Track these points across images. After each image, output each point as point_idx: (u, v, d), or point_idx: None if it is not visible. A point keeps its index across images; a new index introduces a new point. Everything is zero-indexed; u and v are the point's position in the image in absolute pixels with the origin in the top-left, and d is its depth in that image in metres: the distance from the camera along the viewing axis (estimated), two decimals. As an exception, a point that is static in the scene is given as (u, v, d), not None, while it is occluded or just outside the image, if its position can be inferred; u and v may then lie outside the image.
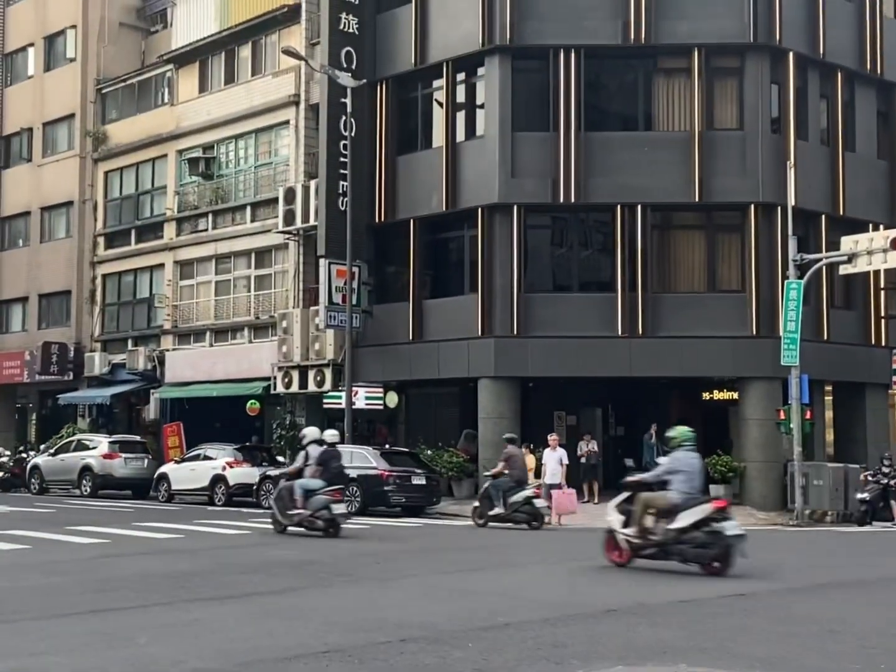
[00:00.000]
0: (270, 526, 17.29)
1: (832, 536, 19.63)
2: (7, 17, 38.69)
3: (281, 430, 27.74)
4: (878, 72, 26.48)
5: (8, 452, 31.53)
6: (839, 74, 25.77)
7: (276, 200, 28.77)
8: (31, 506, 23.65)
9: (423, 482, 22.34)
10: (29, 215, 37.41)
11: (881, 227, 24.82)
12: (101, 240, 35.02)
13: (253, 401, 28.76)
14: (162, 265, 32.71)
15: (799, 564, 14.13)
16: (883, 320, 26.33)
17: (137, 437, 29.59)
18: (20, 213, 37.76)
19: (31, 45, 37.76)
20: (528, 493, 18.80)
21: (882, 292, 26.34)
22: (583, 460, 23.50)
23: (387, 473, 21.87)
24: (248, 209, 30.39)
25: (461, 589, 10.86)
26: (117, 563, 13.14)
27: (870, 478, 22.61)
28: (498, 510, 18.80)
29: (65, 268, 35.59)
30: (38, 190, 36.94)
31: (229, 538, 16.46)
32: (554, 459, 20.89)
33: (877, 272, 25.55)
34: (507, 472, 18.91)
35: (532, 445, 22.22)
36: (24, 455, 31.19)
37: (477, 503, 19.65)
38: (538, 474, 21.49)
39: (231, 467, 24.83)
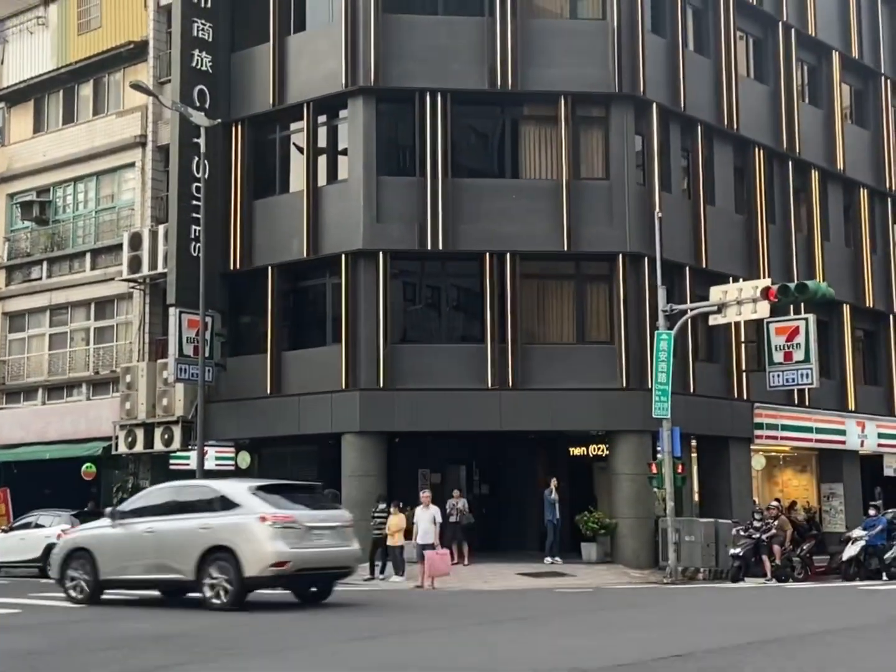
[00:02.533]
0: (118, 597, 15.41)
1: (720, 593, 18.99)
2: None
3: (122, 493, 25.51)
4: (735, 128, 26.81)
5: None
6: (699, 128, 25.93)
7: (119, 247, 26.92)
8: None
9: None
10: None
11: (740, 279, 24.88)
12: (-82, 290, 32.09)
13: (88, 464, 26.55)
14: (-12, 317, 30.15)
15: (712, 622, 13.28)
16: (745, 374, 26.34)
17: (-41, 505, 26.83)
18: None
19: None
20: None
21: (743, 346, 26.39)
22: (452, 519, 22.32)
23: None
24: (88, 256, 28.34)
25: (381, 661, 9.48)
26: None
27: (741, 532, 22.26)
28: None
29: None
30: None
31: (73, 612, 14.50)
32: (426, 518, 19.67)
33: (737, 326, 25.64)
34: None
35: (402, 504, 20.92)
36: None
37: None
38: (409, 534, 20.21)
39: (66, 535, 22.46)
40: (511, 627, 12.28)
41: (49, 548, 22.35)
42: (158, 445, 25.25)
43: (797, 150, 28.48)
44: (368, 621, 13.12)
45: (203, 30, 25.20)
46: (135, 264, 26.14)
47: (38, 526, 23.30)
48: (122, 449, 25.82)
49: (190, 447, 24.83)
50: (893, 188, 31.51)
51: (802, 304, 25.69)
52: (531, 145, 24.59)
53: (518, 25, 23.85)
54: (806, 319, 25.32)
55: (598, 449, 26.13)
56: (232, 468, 25.96)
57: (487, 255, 23.47)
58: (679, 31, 25.54)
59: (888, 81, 31.76)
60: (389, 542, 20.43)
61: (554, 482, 23.42)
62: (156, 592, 15.47)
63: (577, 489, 25.93)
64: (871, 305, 30.29)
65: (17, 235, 30.07)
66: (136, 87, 23.61)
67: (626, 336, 23.63)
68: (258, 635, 11.37)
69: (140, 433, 25.58)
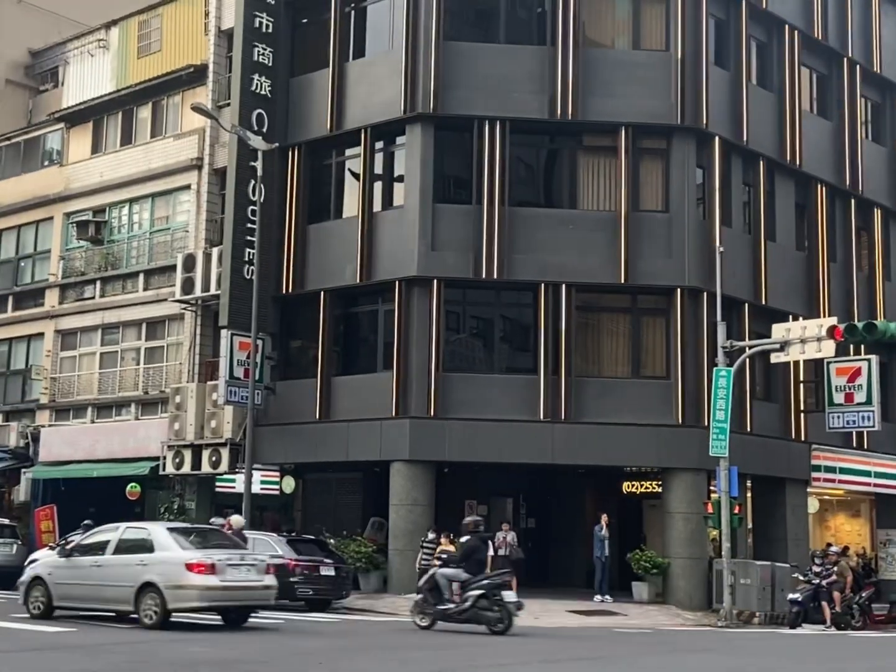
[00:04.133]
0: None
1: (787, 639, 18.36)
2: None
3: (169, 514, 25.36)
4: (797, 163, 26.38)
5: None
6: (761, 163, 25.52)
7: (172, 268, 26.89)
8: None
9: (333, 573, 20.38)
10: None
11: (800, 318, 24.37)
12: (-27, 306, 32.32)
13: (133, 483, 26.41)
14: (41, 334, 30.22)
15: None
16: (802, 414, 25.73)
17: (6, 521, 26.75)
18: None
19: None
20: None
21: (801, 385, 25.81)
22: (501, 552, 21.88)
23: (294, 563, 19.84)
24: (141, 277, 28.34)
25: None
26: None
27: (801, 577, 21.63)
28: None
29: (-69, 335, 32.66)
30: None
31: (123, 633, 14.26)
32: (479, 550, 19.17)
33: (796, 365, 25.10)
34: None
35: (452, 535, 20.53)
36: None
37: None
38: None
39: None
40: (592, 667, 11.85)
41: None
42: (206, 467, 25.06)
43: (860, 188, 27.97)
44: (428, 656, 12.76)
45: (263, 54, 25.25)
46: (188, 286, 26.10)
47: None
48: (170, 469, 25.66)
49: (237, 470, 24.64)
50: (957, 229, 30.79)
51: (863, 346, 25.11)
52: (589, 176, 24.30)
53: (579, 55, 23.64)
54: (868, 360, 24.71)
55: (650, 486, 25.63)
56: (277, 493, 25.76)
57: (542, 285, 23.16)
58: (743, 64, 25.21)
59: (953, 120, 31.14)
60: (438, 573, 20.00)
61: (604, 518, 22.93)
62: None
63: (627, 526, 25.42)
64: (933, 348, 29.54)
65: (71, 254, 30.20)
66: (197, 109, 23.67)
67: (682, 371, 23.17)
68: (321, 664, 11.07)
69: (188, 454, 25.41)
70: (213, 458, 25.00)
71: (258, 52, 25.17)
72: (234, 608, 15.63)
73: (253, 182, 24.09)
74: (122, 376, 28.29)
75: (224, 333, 24.07)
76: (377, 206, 24.40)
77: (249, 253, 24.24)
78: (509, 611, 15.49)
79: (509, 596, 15.66)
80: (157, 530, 15.92)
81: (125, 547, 15.65)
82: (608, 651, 14.20)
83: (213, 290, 25.49)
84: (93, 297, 29.27)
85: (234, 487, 25.44)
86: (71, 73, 33.21)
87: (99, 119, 30.42)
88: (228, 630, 15.12)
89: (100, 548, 15.99)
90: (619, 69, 23.93)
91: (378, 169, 24.77)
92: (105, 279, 29.09)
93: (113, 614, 15.63)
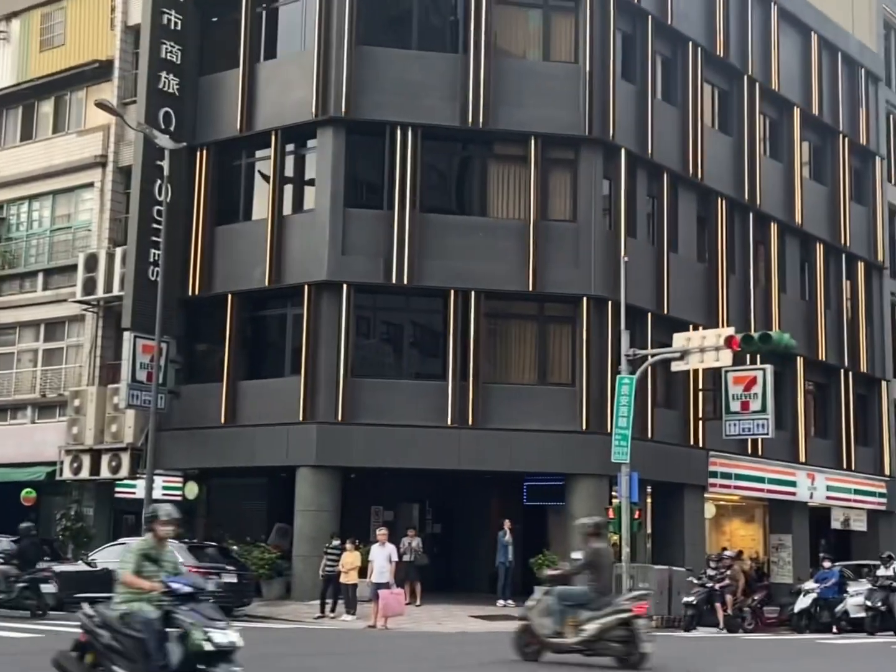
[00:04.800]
0: (60, 629, 14.76)
1: (682, 642, 18.75)
2: None
3: (66, 521, 24.73)
4: (699, 177, 27.03)
5: None
6: (665, 175, 26.10)
7: (73, 268, 26.30)
8: None
9: (235, 580, 20.11)
10: None
11: (700, 327, 24.98)
12: None
13: (29, 489, 25.70)
14: (-67, 334, 29.23)
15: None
16: (701, 421, 26.36)
17: None
18: None
19: None
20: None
21: (700, 394, 26.43)
22: (406, 558, 21.90)
23: (194, 570, 19.47)
24: (41, 276, 27.66)
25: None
26: None
27: (695, 581, 22.13)
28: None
29: None
30: None
31: (15, 643, 13.86)
32: (383, 556, 19.19)
33: (696, 373, 25.71)
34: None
35: (358, 541, 20.49)
36: None
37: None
38: (364, 573, 19.76)
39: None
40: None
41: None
42: (105, 472, 24.54)
43: (758, 202, 28.78)
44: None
45: (171, 52, 24.87)
46: (89, 286, 25.54)
47: (-26, 553, 22.38)
48: (67, 475, 25.05)
49: (138, 475, 24.18)
50: (848, 244, 31.96)
51: (759, 355, 25.82)
52: (500, 184, 24.54)
53: (491, 64, 23.86)
54: (763, 370, 25.47)
55: (554, 491, 25.91)
56: (179, 499, 25.34)
57: (452, 291, 23.29)
58: (648, 78, 25.77)
59: (846, 139, 32.31)
60: (343, 579, 19.98)
61: (507, 524, 23.13)
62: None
63: (531, 532, 25.67)
64: (824, 359, 30.58)
65: (-34, 252, 29.28)
66: (101, 105, 23.16)
67: (587, 379, 23.54)
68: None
69: (86, 459, 24.84)
70: (114, 463, 24.49)
71: (166, 49, 24.77)
72: None
73: (159, 181, 23.71)
74: (17, 378, 27.53)
75: (127, 336, 23.64)
76: (287, 209, 24.24)
77: (154, 254, 23.81)
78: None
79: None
80: None
81: None
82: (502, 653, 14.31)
83: (115, 291, 25.01)
84: (-12, 296, 28.43)
85: (134, 493, 24.99)
86: (-32, 64, 32.17)
87: (-2, 113, 29.59)
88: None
89: None
90: (529, 79, 24.23)
91: (289, 171, 24.61)
92: (2, 278, 28.29)
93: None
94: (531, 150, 23.91)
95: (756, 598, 23.93)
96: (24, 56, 30.25)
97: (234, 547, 22.62)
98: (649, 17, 25.98)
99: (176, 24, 25.00)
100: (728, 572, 22.57)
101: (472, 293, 23.29)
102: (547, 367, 24.13)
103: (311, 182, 24.13)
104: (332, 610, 20.41)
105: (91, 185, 27.09)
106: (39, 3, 30.04)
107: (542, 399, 23.55)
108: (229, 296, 24.16)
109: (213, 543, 21.99)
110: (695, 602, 21.60)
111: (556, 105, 24.21)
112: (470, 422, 22.96)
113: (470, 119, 23.75)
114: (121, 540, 21.56)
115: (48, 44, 29.89)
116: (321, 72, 23.63)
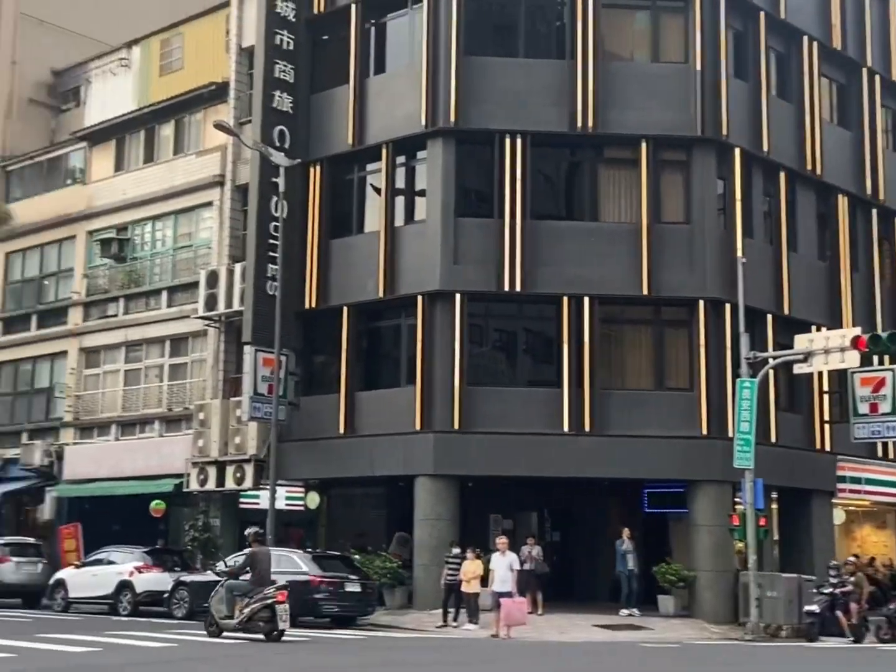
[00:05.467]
0: (196, 637, 15.20)
1: (818, 653, 18.24)
2: None
3: (194, 531, 25.42)
4: (818, 173, 26.32)
5: None
6: (781, 173, 25.48)
7: (195, 285, 27.06)
8: None
9: (358, 589, 20.36)
10: (-82, 297, 34.67)
11: (823, 328, 24.29)
12: (-3, 325, 32.57)
13: (158, 501, 26.47)
14: (65, 352, 30.42)
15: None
16: (827, 425, 25.61)
17: (31, 540, 26.84)
18: None
19: (-68, 119, 35.60)
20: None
21: (825, 396, 25.68)
22: (526, 566, 21.82)
23: (318, 580, 19.84)
24: (165, 294, 28.52)
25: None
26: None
27: (817, 590, 21.45)
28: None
29: (-46, 354, 32.90)
30: (-70, 271, 34.36)
31: (153, 652, 14.30)
32: (504, 565, 19.13)
33: (820, 376, 24.99)
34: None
35: (478, 549, 20.50)
36: None
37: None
38: (486, 581, 19.76)
39: (140, 572, 22.45)
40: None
41: (121, 585, 22.40)
42: (230, 484, 25.14)
43: (881, 197, 27.87)
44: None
45: (284, 71, 25.41)
46: (211, 302, 26.24)
47: (110, 563, 23.24)
48: (194, 486, 25.74)
49: (261, 486, 24.69)
50: (979, 238, 30.64)
51: (887, 356, 24.94)
52: (610, 188, 24.32)
53: (598, 68, 23.68)
54: (892, 370, 24.55)
55: (675, 498, 25.51)
56: (301, 508, 25.78)
57: (565, 298, 23.16)
58: (762, 75, 25.20)
59: (973, 129, 31.02)
60: (465, 588, 20.00)
61: (627, 532, 22.85)
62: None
63: (652, 539, 25.30)
64: (957, 357, 29.33)
65: (95, 272, 30.40)
66: (219, 126, 23.83)
67: (706, 383, 23.09)
68: None
69: (212, 471, 25.50)
70: (238, 475, 25.06)
71: (279, 69, 25.33)
72: None
73: (275, 198, 24.23)
74: (146, 393, 28.42)
75: (247, 350, 24.16)
76: (399, 221, 24.49)
77: (272, 269, 24.34)
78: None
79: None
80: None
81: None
82: (637, 666, 14.13)
83: (236, 307, 25.62)
84: (116, 315, 29.45)
85: (258, 504, 25.49)
86: (93, 92, 33.52)
87: (121, 137, 30.66)
88: (256, 647, 15.13)
89: None
90: (638, 82, 23.96)
91: (400, 183, 24.86)
92: (129, 296, 29.28)
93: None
94: (642, 153, 23.63)
95: (892, 607, 23.08)
96: (145, 81, 31.35)
97: (356, 556, 22.91)
98: (761, 12, 25.44)
99: (288, 43, 25.55)
100: (851, 579, 21.86)
101: (586, 299, 23.12)
102: (664, 372, 23.77)
103: (422, 193, 24.33)
104: (455, 619, 20.45)
105: (210, 203, 27.85)
106: (159, 30, 31.10)
107: (659, 404, 23.20)
108: (344, 308, 24.51)
109: (336, 553, 22.29)
110: (817, 611, 20.96)
111: (667, 106, 23.88)
112: (587, 428, 22.78)
113: (579, 124, 23.61)
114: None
115: (167, 69, 30.92)
116: (429, 84, 23.82)
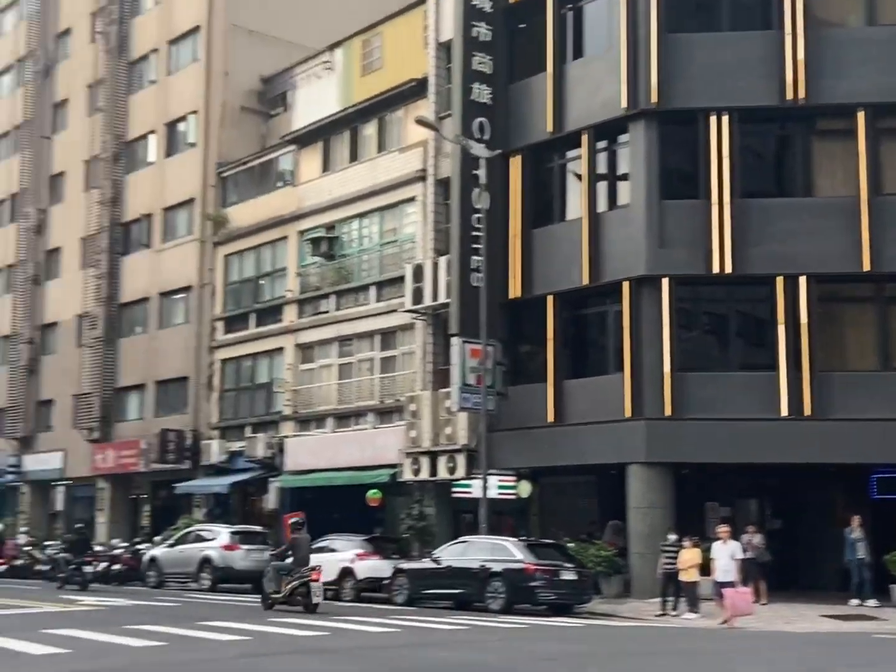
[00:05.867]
0: (418, 623, 15.52)
1: None
2: (130, 106, 38.85)
3: (410, 520, 26.00)
4: None
5: (124, 544, 30.38)
6: None
7: (402, 279, 27.62)
8: (152, 599, 22.23)
9: (574, 577, 20.28)
10: (147, 301, 36.95)
11: None
12: (219, 324, 34.24)
13: (374, 490, 27.16)
14: (282, 349, 31.69)
15: None
16: None
17: (258, 528, 28.11)
18: (138, 299, 37.32)
19: (153, 132, 37.79)
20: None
21: None
22: (748, 555, 21.17)
23: (534, 567, 19.90)
24: (373, 289, 29.26)
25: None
26: (264, 664, 11.53)
27: None
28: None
29: (182, 354, 34.85)
30: (157, 276, 36.51)
31: (376, 637, 14.71)
32: (726, 554, 18.62)
33: None
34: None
35: (698, 538, 20.06)
36: (138, 547, 29.94)
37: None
38: (706, 571, 19.31)
39: (360, 559, 23.15)
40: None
41: (344, 571, 23.15)
42: (443, 473, 25.55)
43: None
44: (686, 663, 12.49)
45: (482, 63, 25.55)
46: (417, 296, 26.72)
47: (331, 550, 24.04)
48: (408, 476, 26.30)
49: (473, 475, 24.97)
50: None
51: None
52: (824, 161, 23.29)
53: (809, 36, 22.67)
54: None
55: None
56: (513, 497, 25.91)
57: (779, 278, 22.32)
58: None
59: None
60: (683, 577, 19.62)
61: (856, 520, 21.81)
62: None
63: (881, 526, 24.06)
64: None
65: (307, 271, 31.49)
66: (420, 122, 24.21)
67: (936, 362, 21.81)
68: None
69: (425, 461, 25.99)
70: (450, 465, 25.44)
71: (477, 61, 25.48)
72: None
73: (476, 190, 24.36)
74: (358, 386, 29.24)
75: (454, 341, 24.47)
76: (601, 207, 24.21)
77: (476, 260, 24.54)
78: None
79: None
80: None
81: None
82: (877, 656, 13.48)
83: (442, 299, 25.98)
84: (328, 311, 30.40)
85: (470, 493, 25.76)
86: (300, 95, 34.70)
87: (327, 139, 31.61)
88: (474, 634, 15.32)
89: None
90: (852, 48, 22.80)
91: (601, 169, 24.58)
92: (339, 293, 30.18)
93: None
94: (858, 122, 22.47)
95: None
96: (348, 82, 32.19)
97: (570, 544, 22.85)
98: None
99: (485, 35, 25.67)
100: None
101: (802, 278, 22.21)
102: (889, 351, 22.57)
103: (625, 177, 23.97)
104: (675, 608, 20.09)
105: (413, 199, 28.34)
106: (359, 31, 31.85)
107: (885, 385, 22.05)
108: (549, 297, 24.45)
109: (550, 541, 22.30)
110: None
111: (885, 71, 22.60)
112: (807, 412, 21.91)
113: (789, 96, 22.68)
114: (461, 538, 22.37)
115: (368, 68, 31.65)
116: (630, 65, 23.41)
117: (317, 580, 18.83)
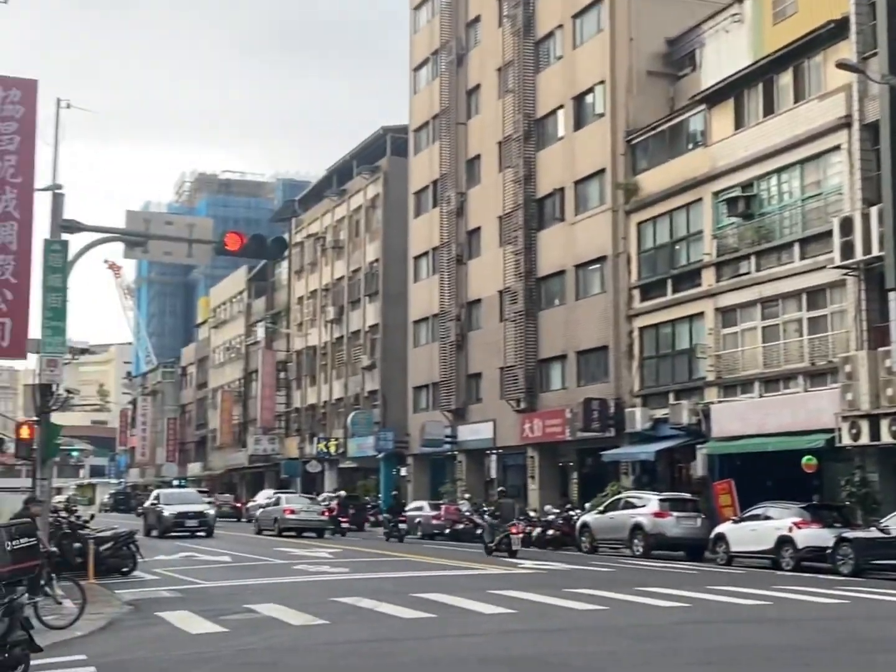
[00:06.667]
0: (866, 595, 14.56)
1: None
2: (538, 84, 39.84)
3: (850, 487, 24.55)
4: None
5: (556, 510, 31.39)
6: None
7: (828, 234, 26.04)
8: (587, 564, 22.77)
9: None
10: (563, 274, 37.78)
11: None
12: (635, 292, 34.27)
13: (809, 456, 25.88)
14: (701, 314, 31.07)
15: None
16: None
17: (687, 495, 27.88)
18: (555, 272, 38.26)
19: (561, 107, 38.48)
20: None
21: None
22: None
23: None
24: (796, 246, 27.84)
25: None
26: (707, 631, 11.34)
27: None
28: None
29: (600, 323, 35.29)
30: (571, 248, 37.20)
31: (823, 608, 13.98)
32: None
33: None
34: None
35: None
36: (570, 513, 30.81)
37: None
38: None
39: (799, 528, 22.22)
40: None
41: (781, 540, 22.37)
42: (886, 438, 23.81)
43: None
44: None
45: (911, -9, 23.35)
46: (847, 250, 25.06)
47: (767, 518, 23.32)
48: (846, 441, 24.79)
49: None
50: None
51: None
52: None
53: None
54: None
55: None
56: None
57: None
58: None
59: None
60: None
61: None
62: None
63: None
64: None
65: (723, 232, 30.61)
66: (842, 65, 22.72)
67: None
68: None
69: (864, 425, 24.36)
70: (893, 428, 23.65)
71: (904, -10, 23.35)
72: None
73: (910, 131, 22.36)
74: (786, 349, 28.02)
75: (893, 296, 22.75)
76: None
77: (914, 207, 22.54)
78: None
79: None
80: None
81: None
82: None
83: (875, 252, 24.17)
84: (748, 273, 29.37)
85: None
86: (707, 53, 33.80)
87: (739, 94, 30.47)
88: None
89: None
90: None
91: None
92: (759, 253, 29.05)
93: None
94: None
95: None
96: (759, 33, 30.84)
97: None
98: None
99: (912, -40, 23.44)
100: None
101: None
102: None
103: None
104: None
105: (837, 147, 26.58)
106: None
107: None
108: None
109: None
110: None
111: None
112: None
113: None
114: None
115: (780, 15, 30.17)
116: None
117: (515, 533, 25.70)
